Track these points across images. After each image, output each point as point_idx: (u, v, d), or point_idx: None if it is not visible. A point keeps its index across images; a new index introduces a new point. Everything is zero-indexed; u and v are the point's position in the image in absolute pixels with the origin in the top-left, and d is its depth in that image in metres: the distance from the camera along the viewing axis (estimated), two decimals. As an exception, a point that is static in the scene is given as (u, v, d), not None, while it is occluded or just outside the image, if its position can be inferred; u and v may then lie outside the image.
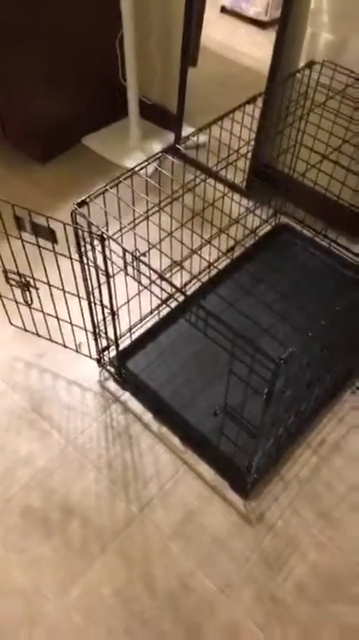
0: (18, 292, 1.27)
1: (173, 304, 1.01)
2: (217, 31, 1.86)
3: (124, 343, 1.37)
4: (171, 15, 1.71)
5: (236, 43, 1.86)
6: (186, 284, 1.46)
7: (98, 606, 1.03)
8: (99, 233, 1.00)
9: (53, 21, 1.62)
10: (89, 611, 1.03)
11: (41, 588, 1.05)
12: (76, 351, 1.38)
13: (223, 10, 1.84)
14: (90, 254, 1.07)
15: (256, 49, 1.81)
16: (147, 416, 1.29)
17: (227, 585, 1.06)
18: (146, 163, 1.10)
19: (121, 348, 1.34)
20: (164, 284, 0.94)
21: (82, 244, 1.05)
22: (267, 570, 1.07)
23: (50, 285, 1.19)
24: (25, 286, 1.22)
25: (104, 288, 1.12)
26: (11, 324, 1.42)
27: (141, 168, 1.09)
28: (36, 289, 1.22)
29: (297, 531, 1.12)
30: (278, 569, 1.08)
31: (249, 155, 1.62)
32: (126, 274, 1.05)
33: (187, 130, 1.88)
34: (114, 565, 1.08)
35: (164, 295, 0.99)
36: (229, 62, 1.86)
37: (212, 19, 1.81)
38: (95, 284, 1.13)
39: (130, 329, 1.39)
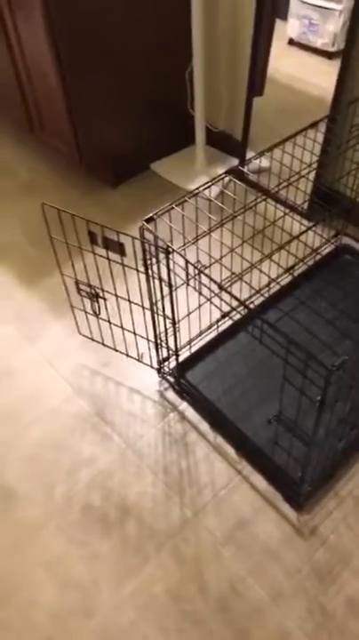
0: (87, 302, 1.36)
1: (235, 317, 1.07)
2: (285, 62, 1.93)
3: (184, 355, 1.43)
4: (238, 49, 1.81)
5: (303, 73, 1.93)
6: (247, 299, 1.51)
7: (150, 603, 1.07)
8: (164, 246, 1.07)
9: (128, 55, 1.75)
10: (142, 607, 1.07)
11: (97, 581, 1.10)
12: (139, 361, 1.45)
13: (291, 42, 1.92)
14: (155, 267, 1.14)
15: (323, 79, 1.86)
16: (204, 426, 1.33)
17: (278, 594, 1.07)
18: (209, 183, 1.18)
19: (180, 359, 1.40)
20: (225, 297, 0.99)
21: (148, 257, 1.12)
22: (318, 582, 1.08)
23: (117, 296, 1.28)
24: (94, 297, 1.31)
25: (167, 300, 1.19)
26: (80, 333, 1.52)
27: (205, 188, 1.17)
28: (104, 300, 1.31)
29: (350, 546, 1.12)
30: (330, 582, 1.07)
31: (311, 177, 1.67)
32: (188, 285, 1.12)
33: (251, 156, 1.95)
34: (167, 565, 1.12)
35: (225, 308, 1.04)
36: (296, 92, 1.93)
37: (280, 51, 1.89)
38: (159, 295, 1.20)
39: (189, 341, 1.44)
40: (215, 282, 1.02)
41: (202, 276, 1.05)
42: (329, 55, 1.83)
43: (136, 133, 1.97)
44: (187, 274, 1.09)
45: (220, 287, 1.01)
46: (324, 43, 1.81)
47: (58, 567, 1.13)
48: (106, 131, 1.87)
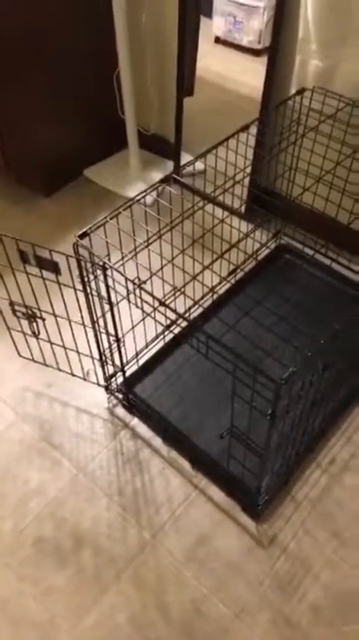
0: (25, 323, 1.29)
1: (176, 330, 1.04)
2: (212, 61, 1.91)
3: (131, 369, 1.39)
4: (165, 50, 1.77)
5: (232, 71, 1.92)
6: (188, 310, 1.48)
7: (113, 634, 1.03)
8: (100, 263, 1.03)
9: (54, 60, 1.68)
10: (104, 639, 1.02)
11: (55, 618, 1.05)
12: (84, 379, 1.40)
13: (217, 40, 1.90)
14: (93, 284, 1.09)
15: (251, 76, 1.86)
16: (157, 441, 1.30)
17: (242, 609, 1.05)
18: (144, 193, 1.14)
19: (128, 374, 1.36)
20: (167, 311, 0.96)
21: (84, 274, 1.08)
22: (280, 593, 1.07)
23: (55, 316, 1.22)
24: (31, 318, 1.25)
25: (108, 316, 1.15)
26: (20, 355, 1.45)
27: (140, 198, 1.13)
28: (43, 320, 1.25)
29: (310, 551, 1.12)
30: (292, 591, 1.07)
31: (246, 181, 1.66)
32: (129, 302, 1.08)
33: (186, 158, 1.92)
34: (128, 592, 1.08)
35: (167, 321, 1.01)
36: (226, 90, 1.92)
37: (207, 49, 1.87)
38: (99, 312, 1.16)
39: (136, 355, 1.40)
40: (154, 297, 0.98)
41: (141, 291, 1.01)
42: (255, 52, 1.83)
43: (67, 139, 1.90)
44: (127, 289, 1.05)
45: (160, 302, 0.97)
46: (250, 40, 1.81)
47: (11, 607, 1.06)
48: (34, 136, 1.79)
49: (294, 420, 1.03)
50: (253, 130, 1.34)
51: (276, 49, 1.47)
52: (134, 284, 1.00)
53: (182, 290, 1.00)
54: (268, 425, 0.90)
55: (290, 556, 1.11)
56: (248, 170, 1.55)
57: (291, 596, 1.06)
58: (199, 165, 1.25)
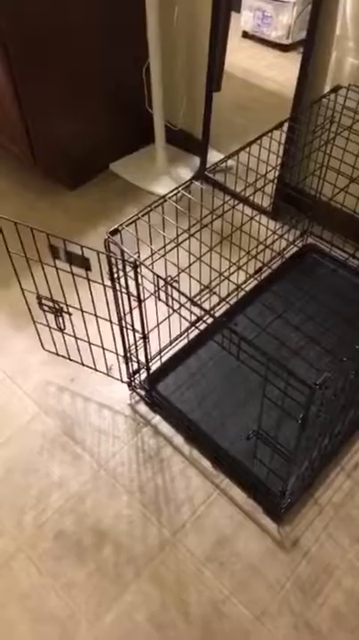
0: (51, 317, 1.29)
1: (202, 326, 1.03)
2: (239, 56, 1.89)
3: (155, 366, 1.39)
4: (195, 44, 1.76)
5: (259, 66, 1.90)
6: (214, 307, 1.47)
7: (132, 632, 1.03)
8: (131, 260, 1.02)
9: (82, 52, 1.67)
10: (123, 637, 1.02)
11: (75, 614, 1.05)
12: (107, 375, 1.39)
13: (245, 35, 1.88)
14: (122, 280, 1.09)
15: (278, 72, 1.84)
16: (178, 439, 1.29)
17: (263, 612, 1.04)
18: (176, 191, 1.13)
19: (151, 370, 1.35)
20: (193, 308, 0.95)
21: (114, 270, 1.07)
22: (302, 596, 1.06)
23: (82, 311, 1.22)
24: (58, 312, 1.25)
25: (135, 312, 1.14)
26: (44, 348, 1.45)
27: (172, 195, 1.12)
28: (69, 314, 1.25)
29: (332, 556, 1.11)
30: (314, 596, 1.06)
31: (275, 179, 1.64)
32: (158, 299, 1.07)
33: (212, 154, 1.90)
34: (147, 591, 1.07)
35: (193, 318, 1.00)
36: (253, 86, 1.90)
37: (234, 44, 1.85)
38: (127, 308, 1.15)
39: (160, 352, 1.40)
40: (185, 295, 0.97)
41: (171, 289, 1.00)
42: (283, 48, 1.80)
43: (93, 133, 1.89)
44: (157, 287, 1.04)
45: (191, 301, 0.96)
46: (279, 35, 1.79)
47: (31, 601, 1.07)
48: (61, 131, 1.79)
49: (324, 424, 1.02)
50: (284, 127, 1.32)
51: (312, 45, 1.45)
52: (165, 281, 0.99)
53: (214, 290, 0.99)
54: (298, 430, 0.88)
55: (312, 561, 1.10)
56: (278, 168, 1.53)
57: (313, 601, 1.05)
58: (228, 162, 1.24)
